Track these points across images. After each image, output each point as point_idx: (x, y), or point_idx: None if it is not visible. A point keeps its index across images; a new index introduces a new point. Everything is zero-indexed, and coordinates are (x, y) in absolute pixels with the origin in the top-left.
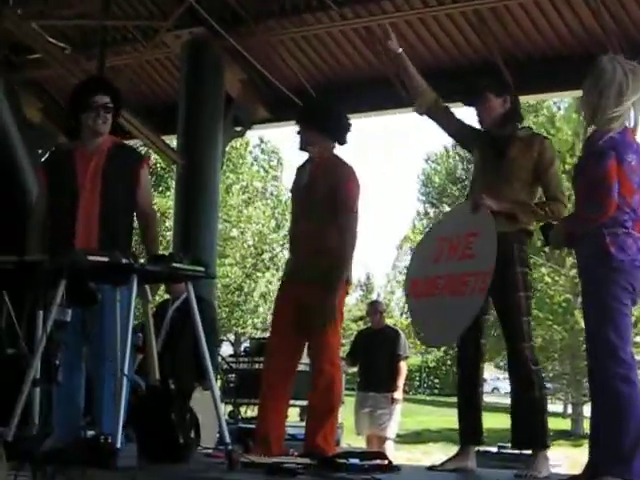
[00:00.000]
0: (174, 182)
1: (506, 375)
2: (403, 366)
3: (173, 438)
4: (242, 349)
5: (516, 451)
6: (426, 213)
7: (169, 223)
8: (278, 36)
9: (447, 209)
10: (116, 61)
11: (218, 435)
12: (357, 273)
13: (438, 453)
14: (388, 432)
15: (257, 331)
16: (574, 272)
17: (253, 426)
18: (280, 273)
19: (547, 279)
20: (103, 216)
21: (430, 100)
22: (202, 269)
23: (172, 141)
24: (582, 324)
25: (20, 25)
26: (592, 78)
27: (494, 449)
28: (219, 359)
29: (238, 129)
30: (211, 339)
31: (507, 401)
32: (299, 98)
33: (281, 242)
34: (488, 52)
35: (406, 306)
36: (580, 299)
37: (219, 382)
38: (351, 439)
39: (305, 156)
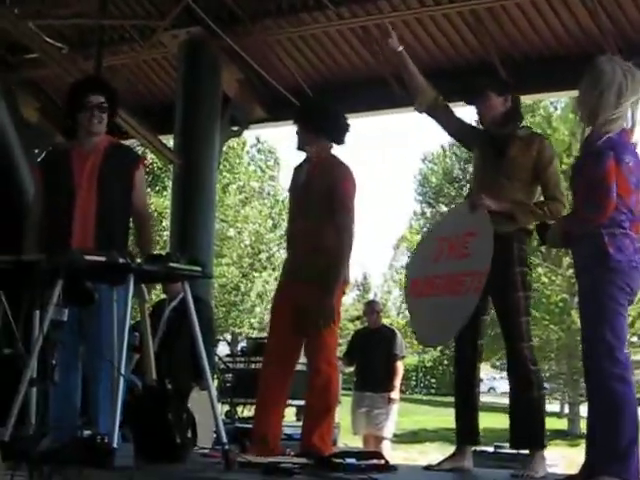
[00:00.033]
0: (171, 182)
1: (503, 375)
2: (400, 366)
3: (170, 438)
4: (239, 349)
5: (513, 451)
6: (423, 213)
7: (166, 223)
8: (275, 36)
9: (444, 209)
10: (113, 61)
11: (215, 435)
12: (354, 273)
13: (435, 453)
14: (385, 432)
15: (254, 331)
16: (571, 272)
17: (250, 426)
18: (277, 273)
19: (544, 279)
20: (100, 215)
21: (430, 98)
22: (199, 269)
23: (169, 141)
24: (579, 324)
25: (17, 25)
26: (591, 79)
27: (491, 449)
28: (216, 359)
29: (235, 129)
30: (208, 339)
31: (504, 401)
32: (296, 98)
33: (278, 242)
34: (485, 52)
35: (403, 306)
36: (577, 299)
37: (216, 382)
38: (348, 439)
39: (303, 156)
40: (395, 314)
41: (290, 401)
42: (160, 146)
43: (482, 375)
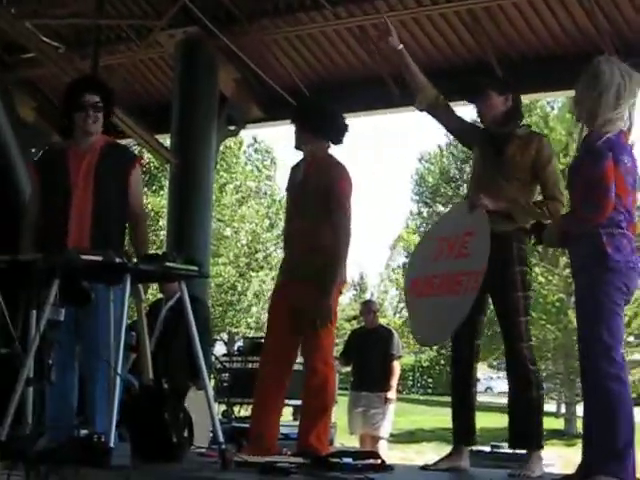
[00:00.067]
0: (168, 181)
1: (500, 374)
2: (396, 365)
3: (166, 437)
4: (235, 348)
5: (509, 450)
6: (419, 213)
7: (162, 222)
8: (272, 35)
9: (440, 209)
10: (110, 60)
11: (211, 434)
12: (351, 272)
13: (431, 453)
14: (381, 431)
15: (250, 330)
16: (567, 272)
17: (247, 425)
18: (274, 273)
19: (540, 279)
20: (96, 214)
21: (431, 96)
22: (195, 268)
23: (166, 140)
24: (575, 324)
25: (14, 24)
26: (589, 80)
27: (487, 448)
28: (212, 358)
29: (232, 128)
30: (204, 338)
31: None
32: (293, 97)
33: (275, 241)
34: (482, 51)
35: (399, 305)
36: (573, 299)
37: (212, 381)
38: (344, 438)
39: (300, 155)
40: (392, 314)
41: (287, 401)
42: (157, 145)
43: (479, 375)
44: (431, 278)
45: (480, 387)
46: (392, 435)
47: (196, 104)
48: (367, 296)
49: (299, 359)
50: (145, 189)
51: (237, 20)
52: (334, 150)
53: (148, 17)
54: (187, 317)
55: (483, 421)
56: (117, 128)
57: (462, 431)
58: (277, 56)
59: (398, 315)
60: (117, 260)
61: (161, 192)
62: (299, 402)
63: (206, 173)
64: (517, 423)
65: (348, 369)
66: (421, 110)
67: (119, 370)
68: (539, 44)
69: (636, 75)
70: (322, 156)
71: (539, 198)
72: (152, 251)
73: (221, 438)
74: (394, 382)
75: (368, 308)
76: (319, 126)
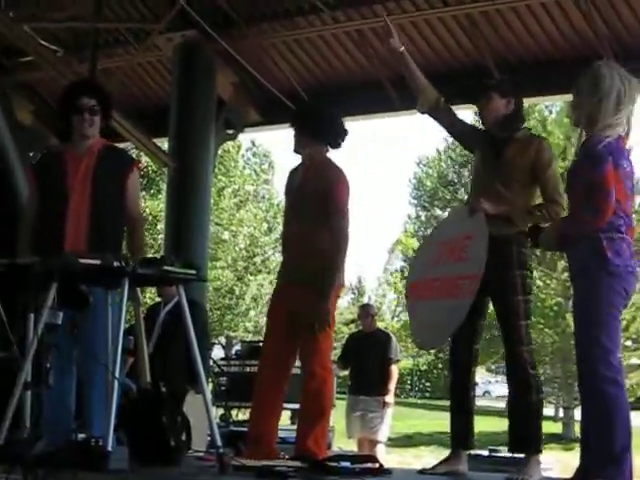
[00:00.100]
0: (165, 185)
1: (498, 378)
2: (394, 369)
3: (164, 441)
4: (233, 352)
5: (507, 455)
6: (418, 216)
7: (160, 226)
8: (270, 39)
9: (439, 212)
10: (108, 64)
11: (209, 438)
12: (349, 276)
13: (429, 457)
14: (379, 435)
15: (248, 334)
16: (565, 276)
17: (244, 429)
18: (272, 276)
19: (538, 283)
20: (93, 218)
21: (432, 99)
22: (193, 272)
23: (164, 144)
24: (573, 328)
25: (12, 28)
26: (589, 85)
27: (485, 453)
28: (210, 362)
29: (230, 132)
30: (202, 342)
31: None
32: (291, 101)
33: (273, 245)
34: (480, 55)
35: (397, 309)
36: (571, 302)
37: (210, 385)
38: (342, 442)
39: (299, 159)
40: (390, 318)
41: (285, 404)
42: (155, 149)
43: (477, 379)
44: (431, 281)
45: (478, 391)
46: (390, 439)
47: (194, 108)
48: (365, 300)
49: (297, 363)
50: (143, 193)
51: (235, 24)
52: (333, 154)
53: (146, 21)
54: (185, 321)
55: (481, 425)
56: (115, 131)
57: (460, 435)
58: (275, 60)
59: (396, 319)
60: (115, 264)
61: (159, 196)
62: (297, 406)
63: (204, 177)
64: (516, 427)
65: (346, 373)
66: (422, 112)
67: (117, 374)
68: (537, 48)
69: (634, 81)
70: (320, 160)
71: (539, 201)
72: (150, 255)
73: (219, 442)
74: (392, 386)
75: (366, 312)
76: (318, 130)
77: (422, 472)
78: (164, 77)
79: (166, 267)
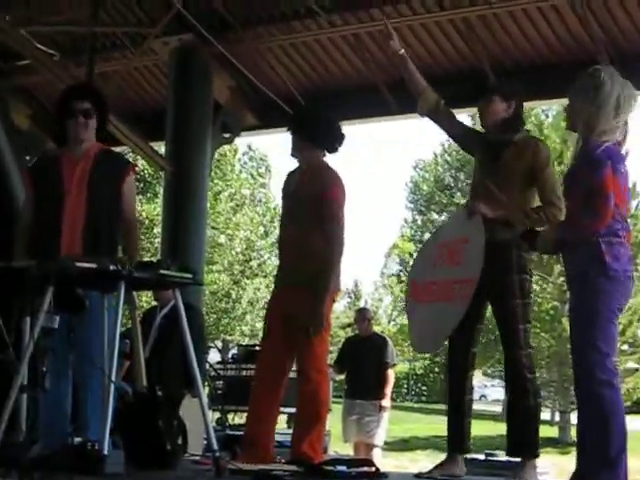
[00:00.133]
0: (162, 188)
1: (494, 382)
2: (391, 373)
3: (160, 445)
4: (230, 356)
5: (504, 458)
6: (414, 220)
7: (157, 230)
8: (266, 43)
9: (435, 216)
10: (105, 67)
11: (205, 442)
12: (345, 280)
13: (425, 460)
14: (375, 439)
15: (245, 338)
16: (562, 280)
17: (241, 433)
18: (268, 280)
19: (535, 287)
20: (89, 221)
21: (431, 102)
22: (190, 276)
23: (160, 148)
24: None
25: (9, 31)
26: (588, 91)
27: (482, 456)
28: (207, 366)
29: (226, 136)
30: (199, 346)
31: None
32: (287, 105)
33: (269, 249)
34: (476, 60)
35: (393, 313)
36: (567, 307)
37: (207, 389)
38: (338, 446)
39: (296, 163)
40: (386, 322)
41: (282, 408)
42: (151, 153)
43: (473, 382)
44: (429, 285)
45: (474, 395)
46: (386, 443)
47: (191, 111)
48: (361, 304)
49: (294, 366)
50: (140, 196)
51: (232, 28)
52: (330, 158)
53: (143, 25)
54: (181, 325)
55: (477, 429)
56: (112, 135)
57: (456, 439)
58: (271, 64)
59: (392, 323)
60: (111, 267)
61: (156, 200)
62: (294, 410)
63: (201, 181)
64: (514, 431)
65: (342, 377)
66: (422, 115)
67: (113, 377)
68: (534, 52)
69: (631, 86)
70: (317, 164)
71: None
72: (146, 259)
73: (215, 446)
74: (388, 390)
75: (362, 316)
76: (315, 134)
77: (418, 476)
78: (161, 81)
79: (162, 271)
